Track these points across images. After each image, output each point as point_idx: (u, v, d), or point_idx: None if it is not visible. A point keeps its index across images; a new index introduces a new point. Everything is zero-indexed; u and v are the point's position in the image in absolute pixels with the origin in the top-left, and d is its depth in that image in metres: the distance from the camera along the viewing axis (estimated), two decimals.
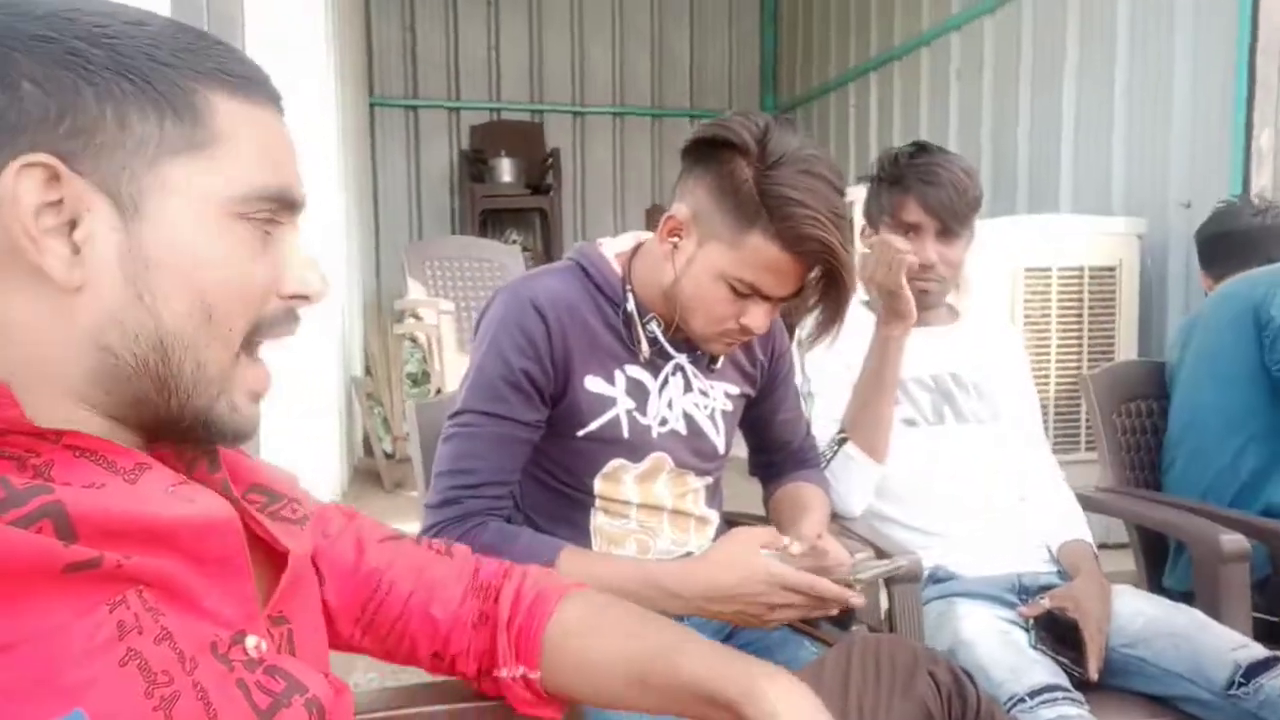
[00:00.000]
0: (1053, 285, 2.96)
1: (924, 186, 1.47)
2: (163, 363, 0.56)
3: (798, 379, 1.56)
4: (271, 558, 0.66)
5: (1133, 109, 3.43)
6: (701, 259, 1.11)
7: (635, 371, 1.20)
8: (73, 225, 0.52)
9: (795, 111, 6.67)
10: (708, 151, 1.10)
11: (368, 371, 4.93)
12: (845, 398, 1.49)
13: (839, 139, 6.01)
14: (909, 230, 1.49)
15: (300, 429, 2.91)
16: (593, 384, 1.17)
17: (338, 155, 4.16)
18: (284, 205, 0.60)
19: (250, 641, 0.59)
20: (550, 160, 6.41)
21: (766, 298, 1.11)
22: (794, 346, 1.42)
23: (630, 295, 1.19)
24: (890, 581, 1.30)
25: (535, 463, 1.21)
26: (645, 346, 1.19)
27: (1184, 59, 3.16)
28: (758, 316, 1.12)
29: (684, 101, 7.18)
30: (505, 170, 6.21)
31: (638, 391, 1.20)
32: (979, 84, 4.44)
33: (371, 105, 6.41)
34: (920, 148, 1.53)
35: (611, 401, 1.18)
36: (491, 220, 6.37)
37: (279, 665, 0.61)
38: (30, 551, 0.48)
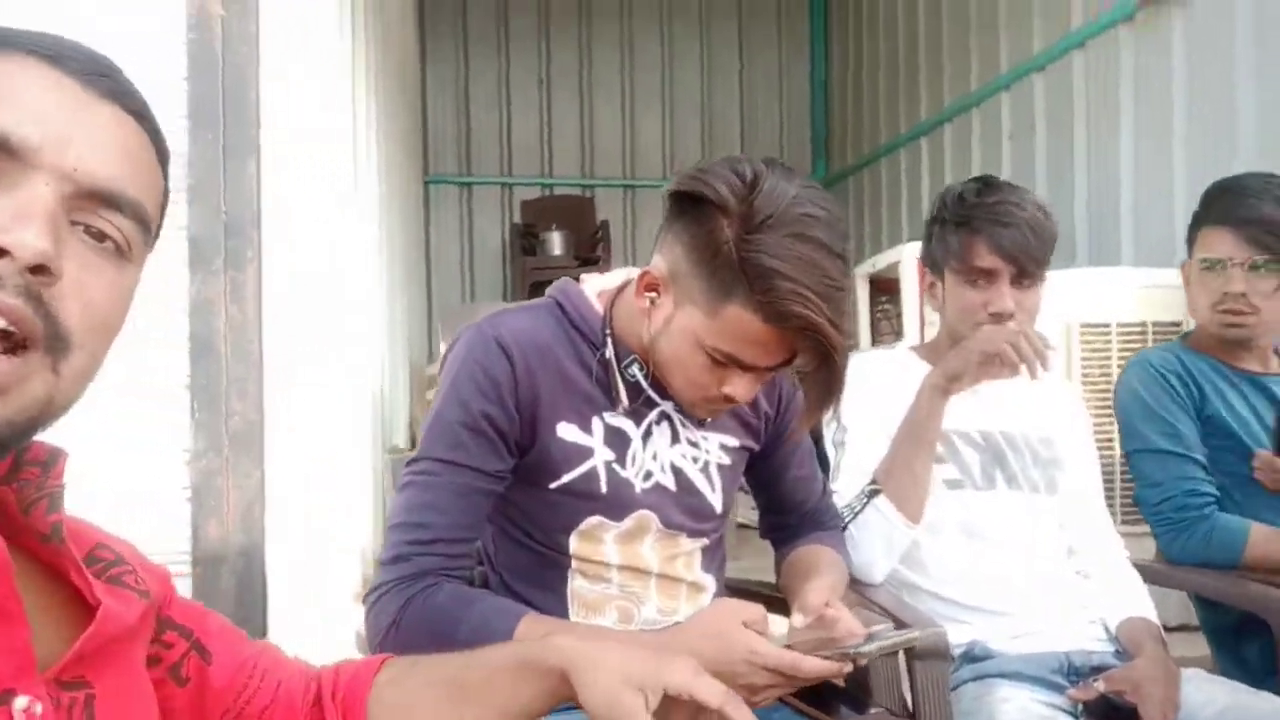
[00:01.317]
0: (1113, 342, 2.76)
1: (997, 228, 1.33)
2: None
3: (829, 428, 1.43)
4: (87, 619, 0.55)
5: (1193, 157, 3.25)
6: (678, 322, 0.99)
7: (615, 420, 1.08)
8: None
9: (847, 180, 6.60)
10: (689, 205, 0.97)
11: (413, 443, 4.90)
12: (880, 451, 1.35)
13: (891, 205, 5.90)
14: (980, 276, 1.36)
15: (329, 497, 2.85)
16: (566, 432, 1.06)
17: (396, 233, 4.20)
18: None
19: (19, 703, 0.48)
20: (600, 232, 6.44)
21: (749, 369, 0.99)
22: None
23: (609, 338, 1.08)
24: (912, 658, 1.14)
25: (507, 517, 1.11)
26: (624, 394, 1.07)
27: (1246, 104, 3.00)
28: (740, 387, 1.00)
29: None
30: (556, 243, 6.26)
31: (618, 441, 1.08)
32: (1031, 142, 4.31)
33: (426, 183, 6.55)
34: (986, 184, 1.40)
35: (588, 452, 1.06)
36: (541, 292, 6.36)
37: None
38: None
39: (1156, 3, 3.39)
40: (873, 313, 4.05)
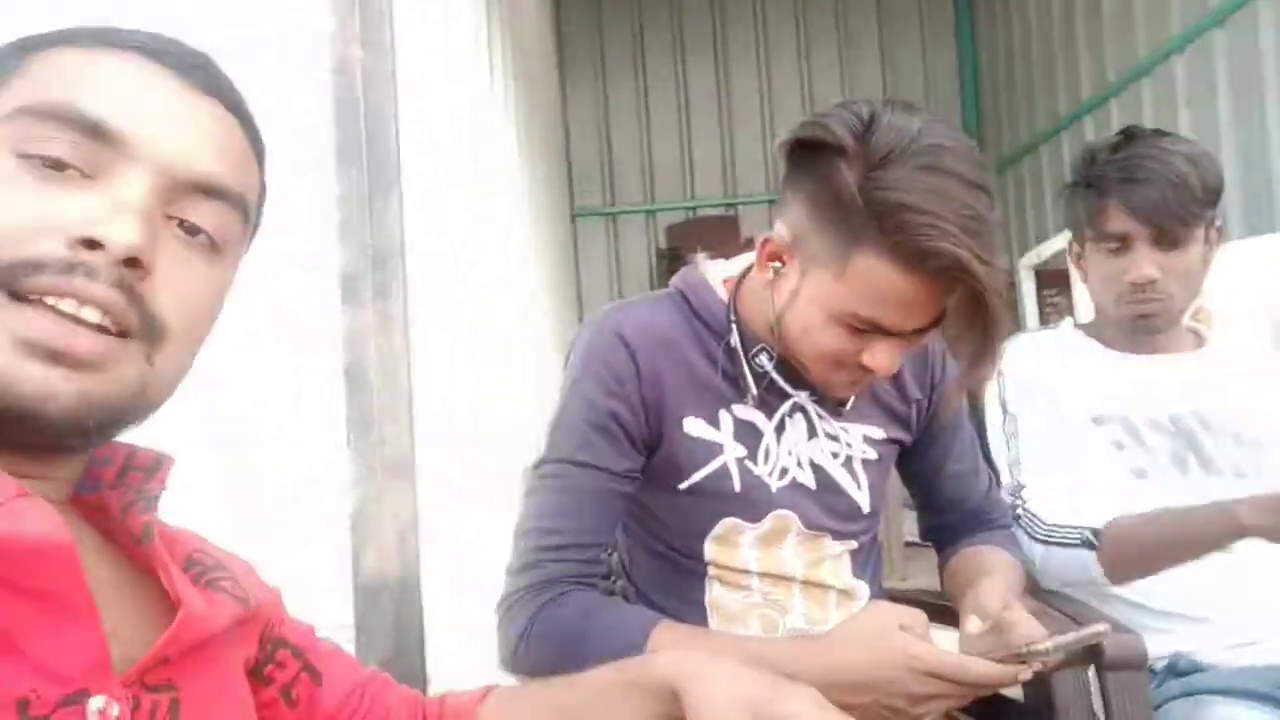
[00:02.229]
0: None
1: (1126, 186, 1.19)
2: None
3: (994, 413, 1.30)
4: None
5: None
6: (806, 291, 0.90)
7: (745, 412, 1.01)
8: None
9: (1006, 172, 6.24)
10: (804, 156, 0.89)
11: None
12: (1057, 440, 1.21)
13: (1056, 193, 5.52)
14: (1116, 242, 1.21)
15: (486, 520, 2.90)
16: (693, 427, 0.99)
17: (546, 267, 4.30)
18: (77, 129, 0.50)
19: (95, 704, 0.46)
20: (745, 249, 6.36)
21: (891, 333, 0.89)
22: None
23: (735, 326, 1.01)
24: (1102, 668, 0.99)
25: (640, 525, 1.06)
26: (752, 384, 1.00)
27: None
28: (882, 356, 0.90)
29: None
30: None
31: (749, 435, 1.01)
32: (1214, 109, 3.91)
33: (573, 217, 6.69)
34: (1126, 136, 1.25)
35: (717, 448, 1.00)
36: None
37: None
38: None
39: None
40: (1041, 307, 3.77)
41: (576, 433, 0.97)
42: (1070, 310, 3.56)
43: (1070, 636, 0.80)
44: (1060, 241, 3.44)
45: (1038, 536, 1.17)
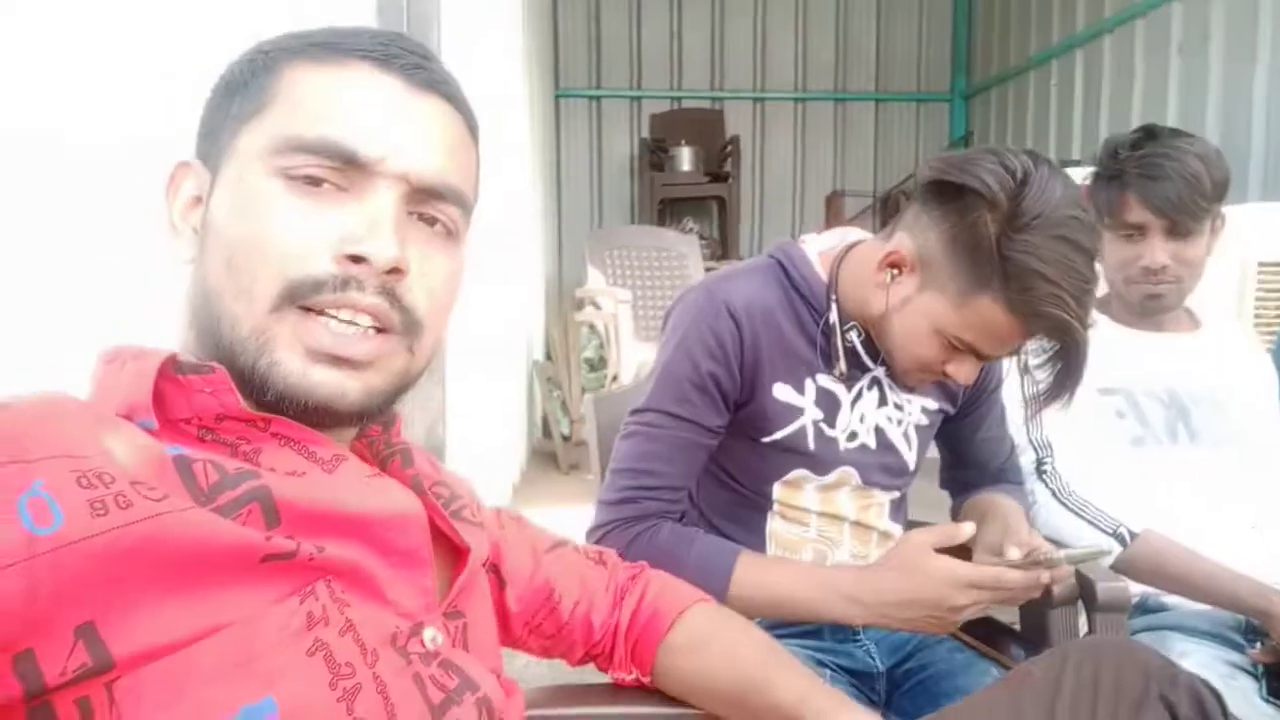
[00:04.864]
0: None
1: (1145, 182, 1.32)
2: (209, 317, 0.58)
3: (1014, 376, 1.44)
4: (448, 554, 0.67)
5: None
6: (919, 304, 1.02)
7: (827, 382, 1.13)
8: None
9: (989, 92, 6.30)
10: (950, 193, 0.98)
11: (548, 356, 5.08)
12: (1074, 409, 1.35)
13: (1038, 121, 5.62)
14: (1132, 230, 1.35)
15: (485, 409, 3.04)
16: (781, 392, 1.11)
17: (527, 147, 4.28)
18: (333, 158, 0.58)
19: (428, 634, 0.59)
20: (729, 148, 6.37)
21: (981, 355, 1.03)
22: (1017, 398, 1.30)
23: (834, 304, 1.11)
24: (1093, 610, 1.18)
25: (715, 461, 1.18)
26: (844, 361, 1.11)
27: None
28: (965, 370, 1.03)
29: (869, 85, 6.95)
30: (685, 159, 6.23)
31: (828, 402, 1.13)
32: (1205, 57, 4.01)
33: (557, 97, 6.59)
34: (1146, 134, 1.37)
35: (799, 411, 1.12)
36: (670, 209, 6.40)
37: (453, 661, 0.61)
38: (234, 542, 0.51)
39: None
40: None
41: (679, 388, 1.09)
42: None
43: (1079, 551, 0.99)
44: None
45: (1068, 505, 1.34)
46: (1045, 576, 0.96)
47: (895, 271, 1.04)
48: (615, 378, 3.96)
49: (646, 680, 0.85)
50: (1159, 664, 0.74)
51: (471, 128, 0.67)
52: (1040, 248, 0.91)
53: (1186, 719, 0.71)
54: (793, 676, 0.81)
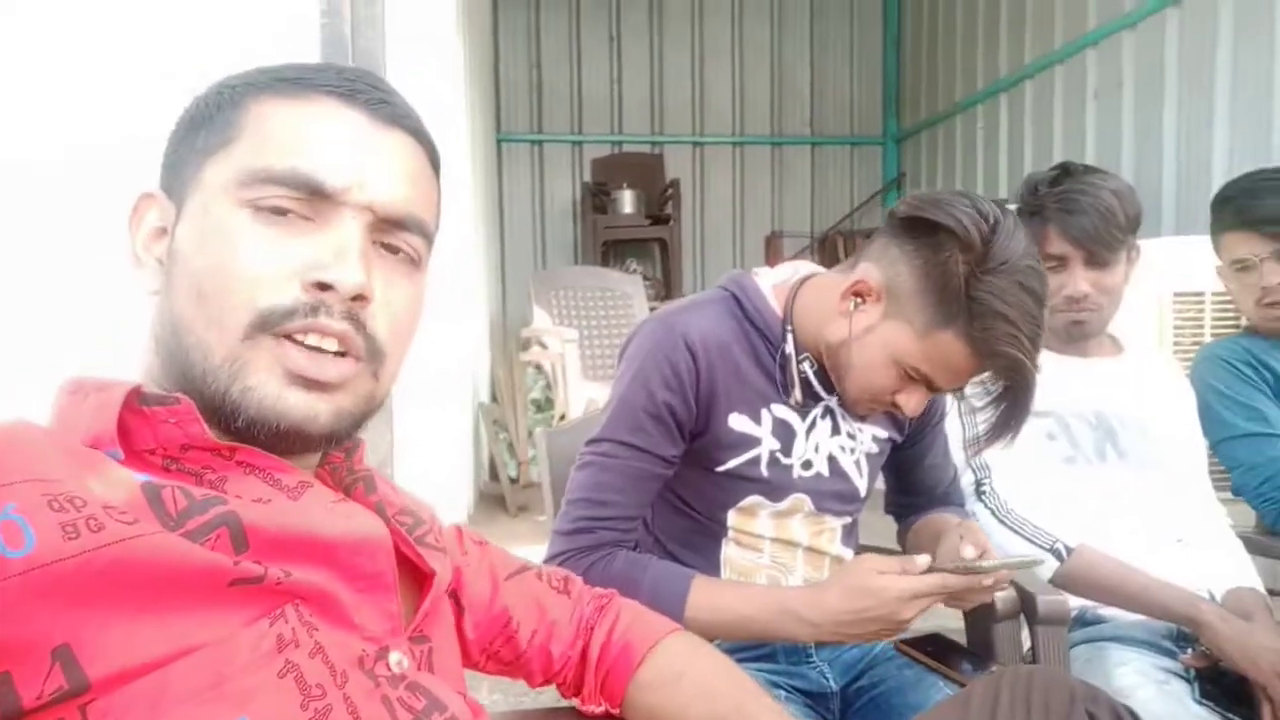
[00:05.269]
0: (1206, 311, 2.77)
1: (1064, 216, 1.40)
2: (179, 347, 0.59)
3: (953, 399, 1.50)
4: (413, 579, 0.68)
5: None
6: (881, 333, 1.06)
7: (782, 412, 1.16)
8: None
9: (920, 135, 6.53)
10: (924, 229, 1.03)
11: (494, 398, 5.06)
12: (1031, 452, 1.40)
13: (966, 162, 5.84)
14: (1055, 262, 1.42)
15: (432, 450, 3.01)
16: (737, 423, 1.14)
17: (470, 189, 4.30)
18: (300, 189, 0.59)
19: (394, 658, 0.60)
20: (670, 190, 6.48)
21: (932, 388, 1.07)
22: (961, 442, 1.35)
23: (790, 335, 1.14)
24: (1034, 622, 1.23)
25: (670, 489, 1.20)
26: (799, 391, 1.15)
27: None
28: (913, 400, 1.08)
29: (804, 129, 7.15)
30: (626, 201, 6.32)
31: (783, 432, 1.16)
32: (1118, 101, 4.24)
33: (499, 141, 6.65)
34: (1064, 171, 1.45)
35: (755, 441, 1.15)
36: (613, 250, 6.47)
37: (420, 683, 0.62)
38: (203, 565, 0.51)
39: None
40: None
41: (634, 418, 1.11)
42: None
43: (1014, 559, 1.04)
44: None
45: (1006, 522, 1.39)
46: (988, 580, 1.01)
47: (859, 300, 1.07)
48: (563, 417, 3.96)
49: (615, 712, 0.85)
50: (1083, 687, 0.84)
51: (433, 160, 0.69)
52: (1005, 291, 0.97)
53: None
54: (766, 714, 0.81)
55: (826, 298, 1.12)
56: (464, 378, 3.98)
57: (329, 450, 0.67)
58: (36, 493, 0.47)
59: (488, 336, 5.34)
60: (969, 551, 1.01)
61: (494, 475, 4.65)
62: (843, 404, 1.18)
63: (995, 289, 0.97)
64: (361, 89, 0.64)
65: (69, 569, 0.46)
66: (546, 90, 6.86)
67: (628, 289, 4.25)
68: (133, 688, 0.47)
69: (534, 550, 1.10)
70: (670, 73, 6.98)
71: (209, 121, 0.62)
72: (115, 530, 0.48)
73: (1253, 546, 1.54)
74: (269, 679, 0.52)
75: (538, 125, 6.87)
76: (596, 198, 6.41)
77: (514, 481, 4.48)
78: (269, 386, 0.58)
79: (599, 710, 0.86)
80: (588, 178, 6.69)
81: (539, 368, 4.59)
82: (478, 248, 4.89)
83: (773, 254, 6.62)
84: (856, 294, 1.07)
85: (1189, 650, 1.31)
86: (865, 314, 1.07)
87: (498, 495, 4.48)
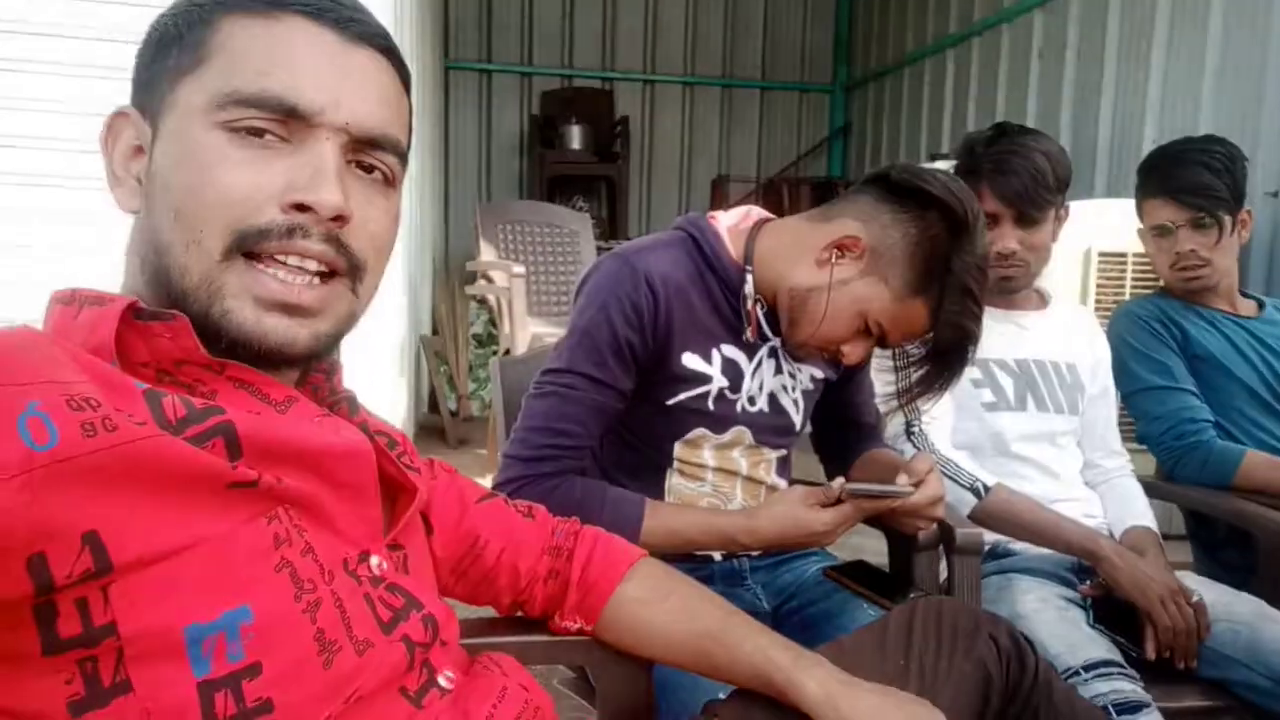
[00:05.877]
0: (1128, 271, 2.91)
1: (996, 176, 1.47)
2: (161, 268, 0.61)
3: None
4: (387, 495, 0.72)
5: (1223, 92, 3.34)
6: (856, 288, 1.12)
7: (731, 351, 1.22)
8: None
9: (868, 85, 6.58)
10: (916, 201, 1.10)
11: (435, 331, 5.05)
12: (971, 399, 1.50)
13: (911, 115, 5.92)
14: (988, 219, 1.50)
15: (370, 383, 3.02)
16: (690, 361, 1.19)
17: (418, 115, 4.22)
18: (275, 111, 0.60)
19: (374, 560, 0.65)
20: (619, 128, 6.43)
21: (883, 344, 1.16)
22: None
23: (750, 277, 1.19)
24: (951, 552, 1.33)
25: (619, 421, 1.24)
26: (751, 331, 1.20)
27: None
28: (859, 350, 1.16)
29: (755, 73, 7.14)
30: (575, 137, 6.25)
31: (732, 371, 1.22)
32: (1061, 63, 4.34)
33: (447, 68, 6.49)
34: (1000, 132, 1.52)
35: (706, 379, 1.20)
36: (559, 186, 6.42)
37: (398, 584, 0.67)
38: (201, 467, 0.55)
39: None
40: None
41: (596, 352, 1.15)
42: None
43: (891, 487, 1.11)
44: None
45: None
46: (890, 503, 1.12)
47: (840, 253, 1.13)
48: (508, 352, 3.99)
49: (589, 629, 0.90)
50: (987, 615, 0.95)
51: (403, 77, 0.70)
52: (974, 273, 1.09)
53: (1005, 648, 0.91)
54: (752, 631, 0.86)
55: (792, 243, 1.17)
56: (402, 307, 3.97)
57: (311, 365, 0.71)
58: (56, 393, 0.50)
59: (429, 268, 5.30)
60: (903, 479, 1.11)
61: (434, 408, 4.66)
62: (785, 346, 1.24)
63: (968, 269, 1.08)
64: (329, 6, 0.64)
65: (89, 465, 0.49)
66: (497, 17, 6.70)
67: (575, 226, 4.25)
68: (149, 572, 0.51)
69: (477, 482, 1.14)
70: (623, 7, 6.87)
71: (179, 40, 0.62)
72: (128, 431, 0.52)
73: (1151, 490, 1.67)
74: (267, 572, 0.57)
75: (486, 54, 6.73)
76: (544, 131, 6.33)
77: (454, 414, 4.51)
78: (245, 311, 0.60)
79: (573, 627, 0.90)
80: (536, 110, 6.59)
81: (482, 301, 4.58)
82: (423, 175, 4.82)
83: (719, 198, 6.65)
84: (839, 248, 1.13)
85: (1087, 581, 1.43)
86: (844, 267, 1.13)
87: (437, 427, 4.50)
